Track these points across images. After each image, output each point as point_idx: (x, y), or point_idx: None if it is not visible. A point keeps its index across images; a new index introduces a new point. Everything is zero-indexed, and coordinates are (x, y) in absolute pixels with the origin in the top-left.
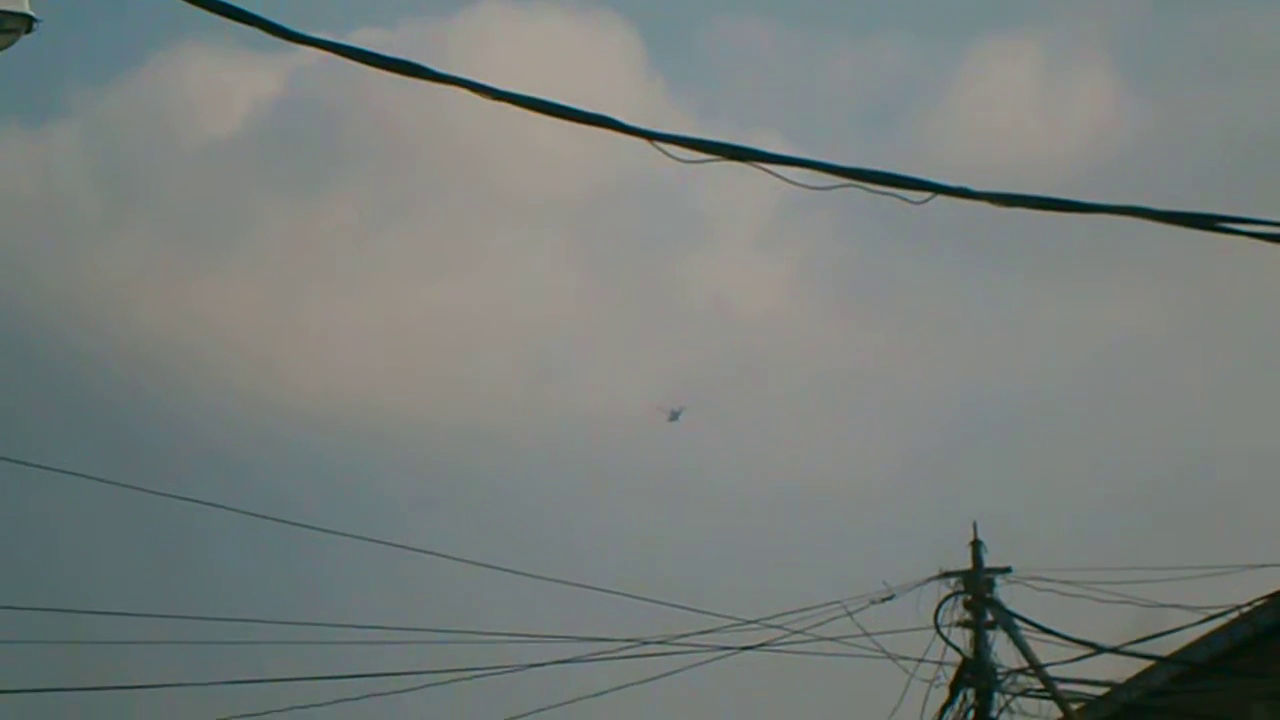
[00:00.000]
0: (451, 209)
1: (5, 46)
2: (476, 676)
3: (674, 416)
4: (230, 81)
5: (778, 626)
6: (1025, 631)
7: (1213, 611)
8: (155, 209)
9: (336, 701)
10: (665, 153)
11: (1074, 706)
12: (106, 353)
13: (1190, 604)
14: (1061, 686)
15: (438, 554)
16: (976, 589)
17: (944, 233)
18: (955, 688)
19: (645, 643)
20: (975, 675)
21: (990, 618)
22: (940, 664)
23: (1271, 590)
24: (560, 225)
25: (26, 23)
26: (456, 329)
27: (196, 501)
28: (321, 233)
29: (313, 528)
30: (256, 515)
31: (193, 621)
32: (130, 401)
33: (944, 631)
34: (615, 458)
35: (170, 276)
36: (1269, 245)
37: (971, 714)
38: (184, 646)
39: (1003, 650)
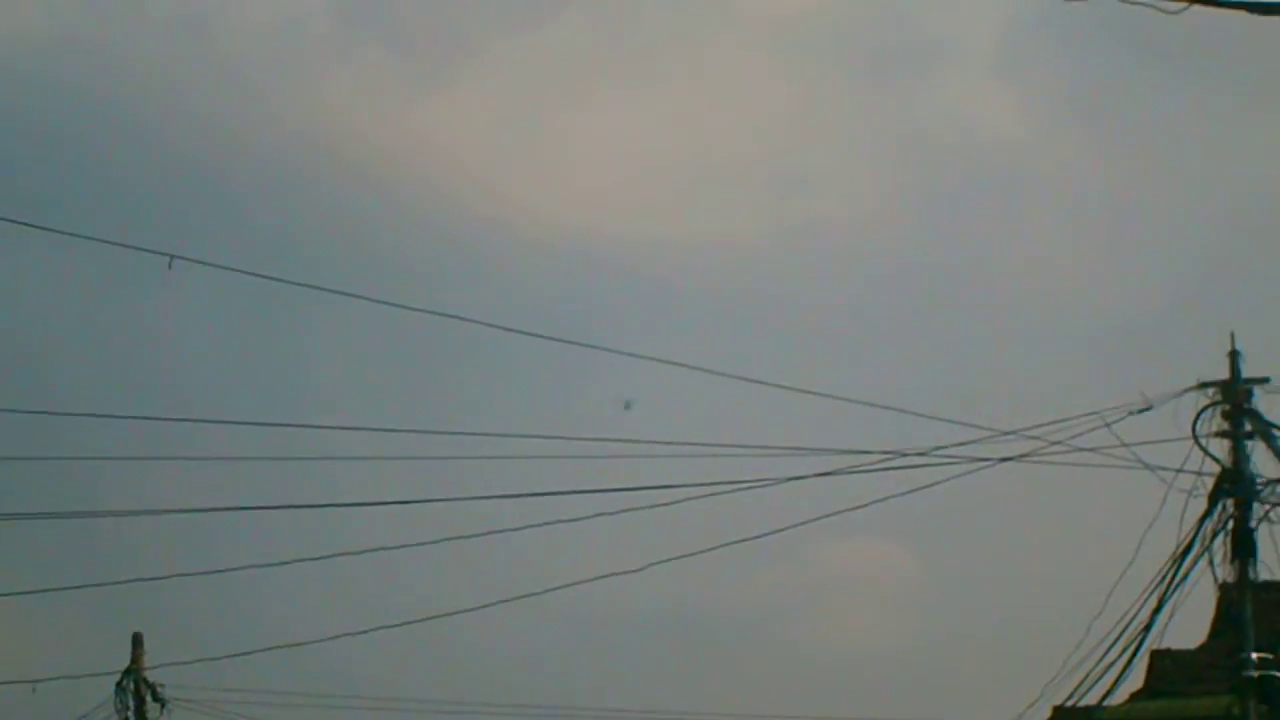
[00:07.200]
0: (677, 23)
1: None
2: (736, 489)
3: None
4: None
5: (1036, 437)
6: None
7: None
8: (385, 29)
9: (595, 515)
10: None
11: None
12: (334, 174)
13: None
14: None
15: (689, 365)
16: (1235, 399)
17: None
18: (1214, 498)
19: (904, 454)
20: (1234, 485)
21: (1249, 428)
22: (1198, 474)
23: None
24: (790, 44)
25: None
26: (683, 147)
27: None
28: (551, 50)
29: (567, 341)
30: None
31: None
32: (354, 223)
33: (1202, 442)
34: (860, 265)
35: (399, 97)
36: None
37: (1230, 524)
38: (438, 462)
39: (1261, 460)
